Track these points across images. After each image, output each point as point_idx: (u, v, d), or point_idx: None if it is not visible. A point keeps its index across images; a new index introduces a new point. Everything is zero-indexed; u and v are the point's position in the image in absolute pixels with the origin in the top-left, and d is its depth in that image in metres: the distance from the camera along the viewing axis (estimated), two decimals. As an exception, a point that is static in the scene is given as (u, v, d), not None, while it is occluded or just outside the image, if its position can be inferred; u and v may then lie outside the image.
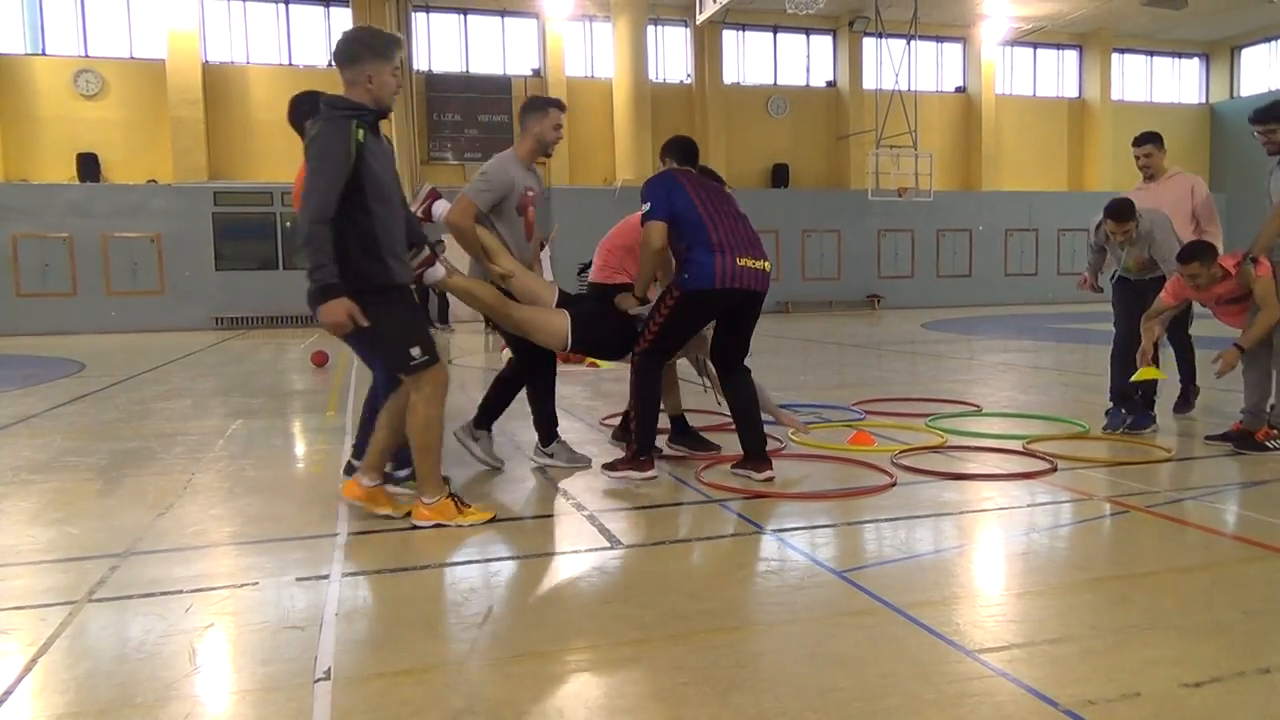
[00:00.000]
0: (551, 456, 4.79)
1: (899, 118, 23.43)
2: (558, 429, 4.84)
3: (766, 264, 4.28)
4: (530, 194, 4.57)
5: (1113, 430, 5.44)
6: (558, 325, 4.38)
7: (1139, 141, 6.16)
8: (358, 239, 3.47)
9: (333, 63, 3.56)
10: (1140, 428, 5.45)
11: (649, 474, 4.32)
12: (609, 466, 4.41)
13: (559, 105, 4.59)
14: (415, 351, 3.55)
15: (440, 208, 4.43)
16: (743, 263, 4.14)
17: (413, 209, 4.23)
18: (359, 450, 4.17)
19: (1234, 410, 5.36)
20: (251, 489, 4.46)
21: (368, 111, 3.50)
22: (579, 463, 4.76)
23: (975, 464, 4.72)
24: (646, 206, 4.24)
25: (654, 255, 4.26)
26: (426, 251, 3.97)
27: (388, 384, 3.86)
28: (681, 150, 4.55)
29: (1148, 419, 5.52)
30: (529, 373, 4.75)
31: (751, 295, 4.23)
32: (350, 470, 4.25)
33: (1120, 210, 5.36)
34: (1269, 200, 5.05)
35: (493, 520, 3.72)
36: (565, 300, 4.55)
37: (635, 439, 4.35)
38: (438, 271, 4.03)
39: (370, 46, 3.49)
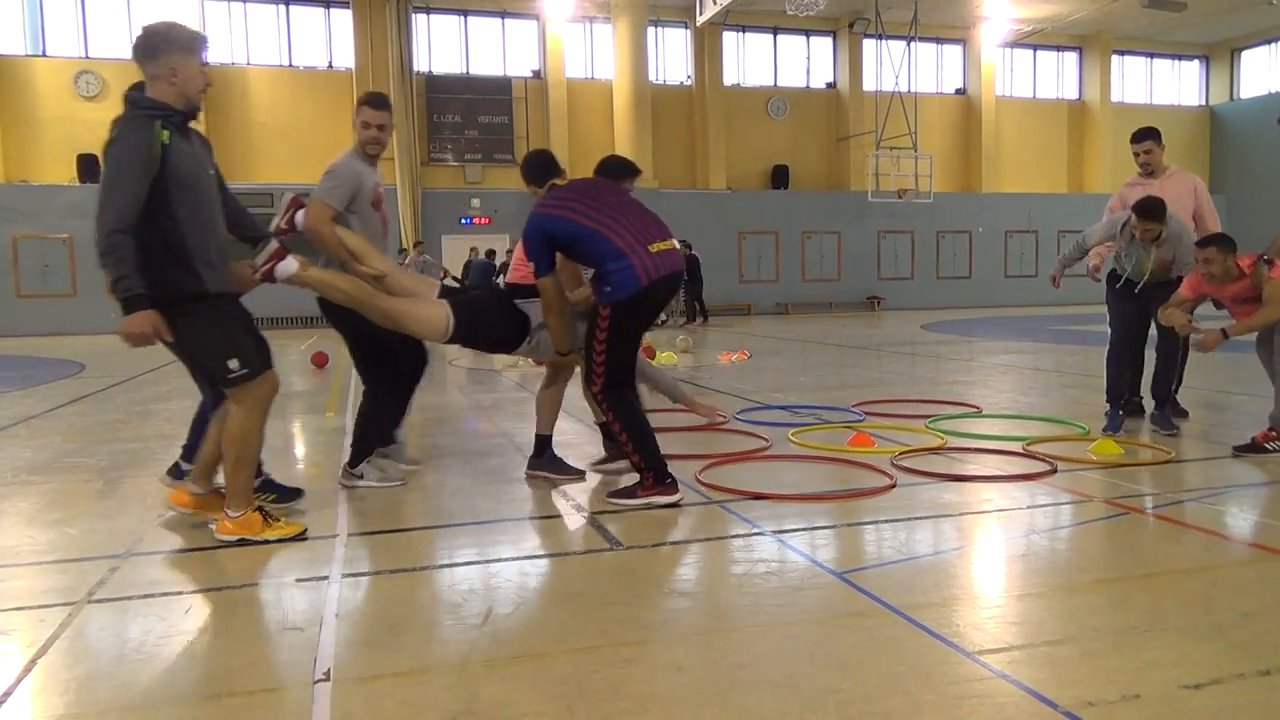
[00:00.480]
0: (361, 477, 4.41)
1: (899, 119, 23.45)
2: (378, 449, 4.54)
3: (674, 241, 4.06)
4: (380, 190, 4.43)
5: (1113, 432, 5.44)
6: (436, 314, 4.06)
7: (1139, 137, 6.14)
8: (164, 247, 3.25)
9: (133, 57, 3.33)
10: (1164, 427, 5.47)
11: (675, 496, 4.00)
12: (621, 494, 4.08)
13: (373, 103, 4.38)
14: (234, 364, 3.36)
15: (304, 216, 4.16)
16: (655, 249, 3.92)
17: (275, 221, 4.03)
18: (188, 452, 4.01)
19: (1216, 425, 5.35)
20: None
21: (173, 111, 3.30)
22: (391, 481, 4.45)
23: (975, 466, 4.72)
24: (531, 266, 4.00)
25: (559, 311, 4.04)
26: (274, 244, 3.71)
27: (216, 393, 3.69)
28: (541, 166, 4.25)
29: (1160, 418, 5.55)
30: (378, 390, 4.47)
31: (673, 280, 3.98)
32: (179, 473, 4.05)
33: (1154, 209, 5.27)
34: None
35: (302, 536, 3.52)
36: (448, 292, 4.29)
37: (645, 466, 4.01)
38: (290, 265, 3.73)
39: (172, 39, 3.29)
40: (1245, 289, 4.92)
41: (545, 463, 4.58)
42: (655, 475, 4.01)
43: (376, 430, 4.54)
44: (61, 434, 6.21)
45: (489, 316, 4.24)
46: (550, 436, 4.63)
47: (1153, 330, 5.59)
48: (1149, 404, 5.76)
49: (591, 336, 3.99)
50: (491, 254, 18.62)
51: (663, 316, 19.18)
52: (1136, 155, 6.12)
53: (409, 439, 5.22)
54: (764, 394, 7.71)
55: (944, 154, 25.91)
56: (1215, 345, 4.91)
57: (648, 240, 3.92)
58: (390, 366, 4.48)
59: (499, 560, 3.33)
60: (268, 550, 3.45)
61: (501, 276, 17.81)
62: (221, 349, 3.39)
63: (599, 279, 3.93)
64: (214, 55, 21.12)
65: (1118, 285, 5.73)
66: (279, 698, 2.22)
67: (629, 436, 4.01)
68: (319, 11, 22.00)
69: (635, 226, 3.95)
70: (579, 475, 4.55)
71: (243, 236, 3.75)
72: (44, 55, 20.22)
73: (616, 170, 4.44)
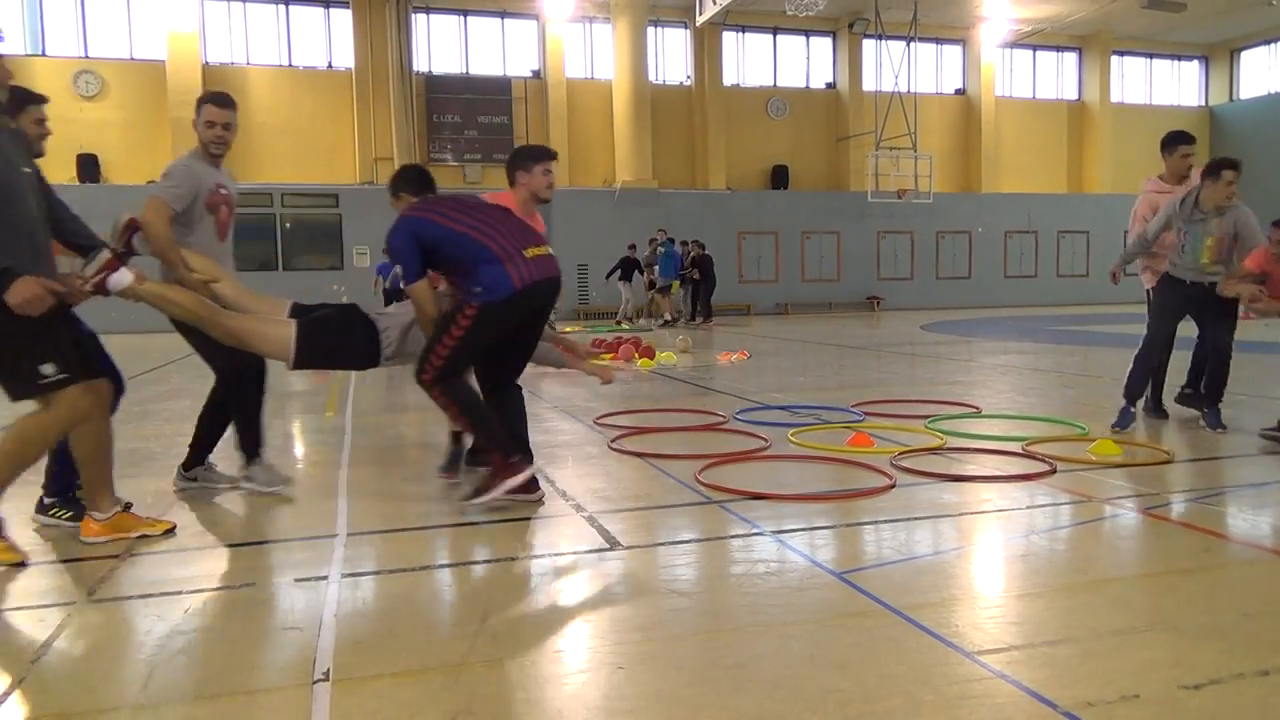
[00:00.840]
0: (251, 480, 4.31)
1: (898, 119, 23.46)
2: (262, 449, 4.39)
3: (548, 248, 3.95)
4: (223, 192, 4.27)
5: (1121, 429, 5.47)
6: (281, 334, 3.90)
7: (1189, 139, 6.06)
8: None
9: None
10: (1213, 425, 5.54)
11: (527, 472, 3.87)
12: (476, 493, 3.90)
13: (217, 101, 4.22)
14: (48, 368, 3.16)
15: (143, 211, 3.97)
16: (530, 254, 3.82)
17: (111, 244, 3.77)
18: (49, 487, 3.84)
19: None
20: (250, 490, 4.45)
21: None
22: (277, 485, 4.31)
23: (974, 466, 4.72)
24: (399, 270, 3.88)
25: (431, 322, 3.88)
26: (105, 254, 3.51)
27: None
28: (413, 180, 4.24)
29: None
30: (234, 387, 4.27)
31: (550, 286, 3.89)
32: (44, 508, 3.86)
33: (1235, 161, 5.36)
34: None
35: (171, 532, 3.49)
36: (299, 311, 4.12)
37: (492, 444, 3.89)
38: (124, 277, 3.54)
39: None
40: None
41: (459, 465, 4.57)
42: (502, 452, 3.86)
43: (249, 425, 4.32)
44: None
45: (333, 334, 4.06)
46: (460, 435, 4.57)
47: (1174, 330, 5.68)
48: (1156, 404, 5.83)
49: (444, 329, 3.79)
50: None
51: (668, 316, 19.28)
52: (1186, 157, 6.00)
53: (409, 439, 5.21)
54: (763, 394, 7.71)
55: (943, 154, 25.92)
56: (1250, 294, 5.07)
57: (522, 245, 3.83)
58: (246, 359, 4.17)
59: (498, 560, 3.33)
60: (267, 550, 3.45)
61: None
62: (33, 352, 3.15)
63: (469, 280, 3.78)
64: (214, 55, 21.17)
65: (1166, 284, 5.70)
66: (278, 698, 2.22)
67: (468, 419, 3.88)
68: (319, 11, 22.00)
69: (508, 232, 3.87)
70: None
71: (72, 245, 3.53)
72: (43, 55, 20.21)
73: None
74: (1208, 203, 5.42)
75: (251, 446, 4.33)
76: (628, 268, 19.62)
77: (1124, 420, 5.57)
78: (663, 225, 20.16)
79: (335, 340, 4.06)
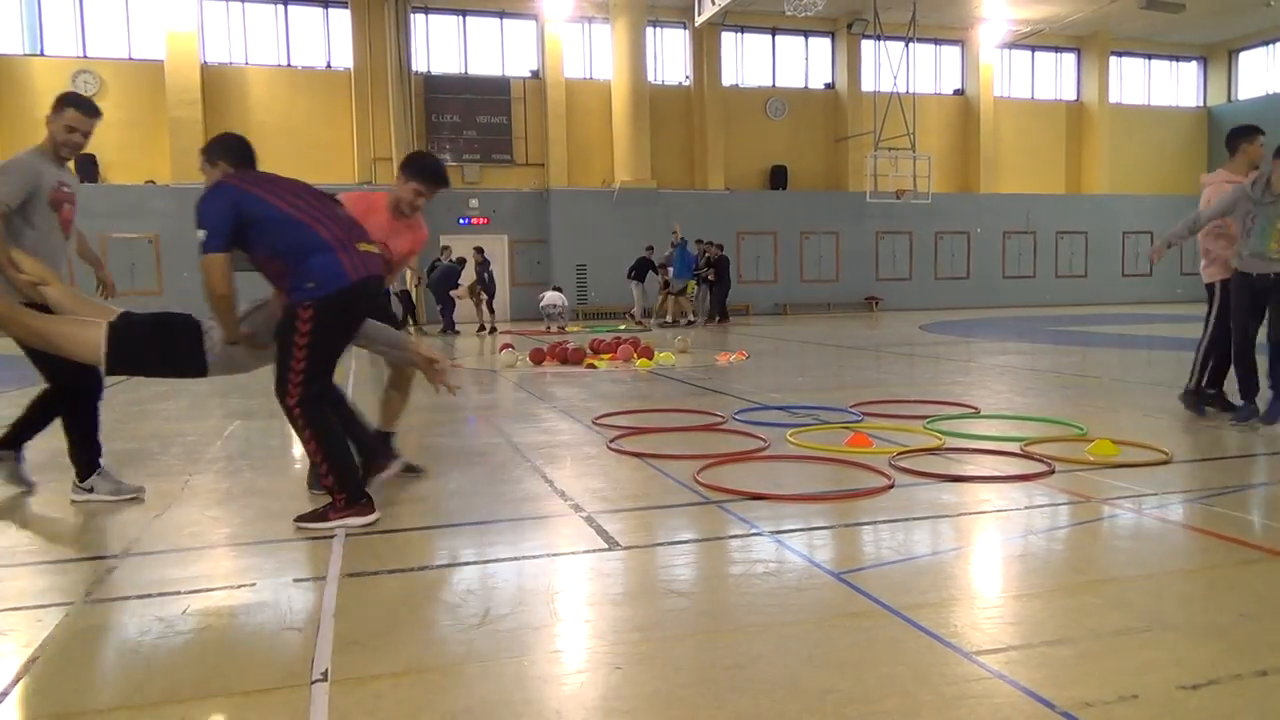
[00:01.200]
0: (91, 491, 4.16)
1: (897, 120, 23.48)
2: (100, 459, 4.24)
3: (375, 245, 3.76)
4: (66, 190, 4.11)
5: (1243, 420, 5.65)
6: (90, 335, 3.64)
7: (1260, 129, 6.09)
8: None
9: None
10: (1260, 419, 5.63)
11: (370, 519, 3.67)
12: (312, 518, 3.67)
13: (82, 107, 4.05)
14: None
15: None
16: (363, 249, 3.64)
17: None
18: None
19: None
20: (249, 490, 4.45)
21: None
22: (125, 493, 4.17)
23: (973, 466, 4.72)
24: (202, 235, 3.46)
25: (222, 299, 3.54)
26: None
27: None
28: (235, 150, 3.80)
29: (1247, 410, 5.72)
30: (65, 396, 4.11)
31: (376, 284, 3.70)
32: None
33: None
34: None
35: None
36: (126, 316, 3.83)
37: (338, 486, 3.65)
38: None
39: None
40: None
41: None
42: (349, 496, 3.66)
43: (83, 436, 4.18)
44: (58, 434, 6.19)
45: (148, 334, 3.76)
46: (392, 434, 4.59)
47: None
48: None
49: (290, 342, 3.50)
50: (462, 261, 18.11)
51: (690, 317, 19.28)
52: (1262, 146, 5.99)
53: (407, 439, 5.21)
54: (762, 394, 7.72)
55: (942, 155, 25.94)
56: None
57: (353, 238, 3.62)
58: (79, 368, 4.01)
59: (496, 560, 3.32)
60: (265, 550, 3.44)
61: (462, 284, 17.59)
62: None
63: (298, 274, 3.48)
64: (212, 55, 21.16)
65: (1237, 282, 5.76)
66: (276, 698, 2.21)
67: (324, 455, 3.60)
68: (317, 11, 21.99)
69: (340, 223, 3.64)
70: (417, 470, 4.61)
71: None
72: (42, 55, 20.21)
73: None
74: (1279, 184, 5.49)
75: (87, 461, 4.17)
76: (642, 268, 19.67)
77: (1244, 413, 5.69)
78: (673, 225, 20.10)
79: (150, 341, 3.75)
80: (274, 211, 3.51)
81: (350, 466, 3.71)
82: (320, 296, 3.47)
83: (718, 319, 19.32)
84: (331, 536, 3.58)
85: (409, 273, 17.77)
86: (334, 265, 3.49)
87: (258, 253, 3.58)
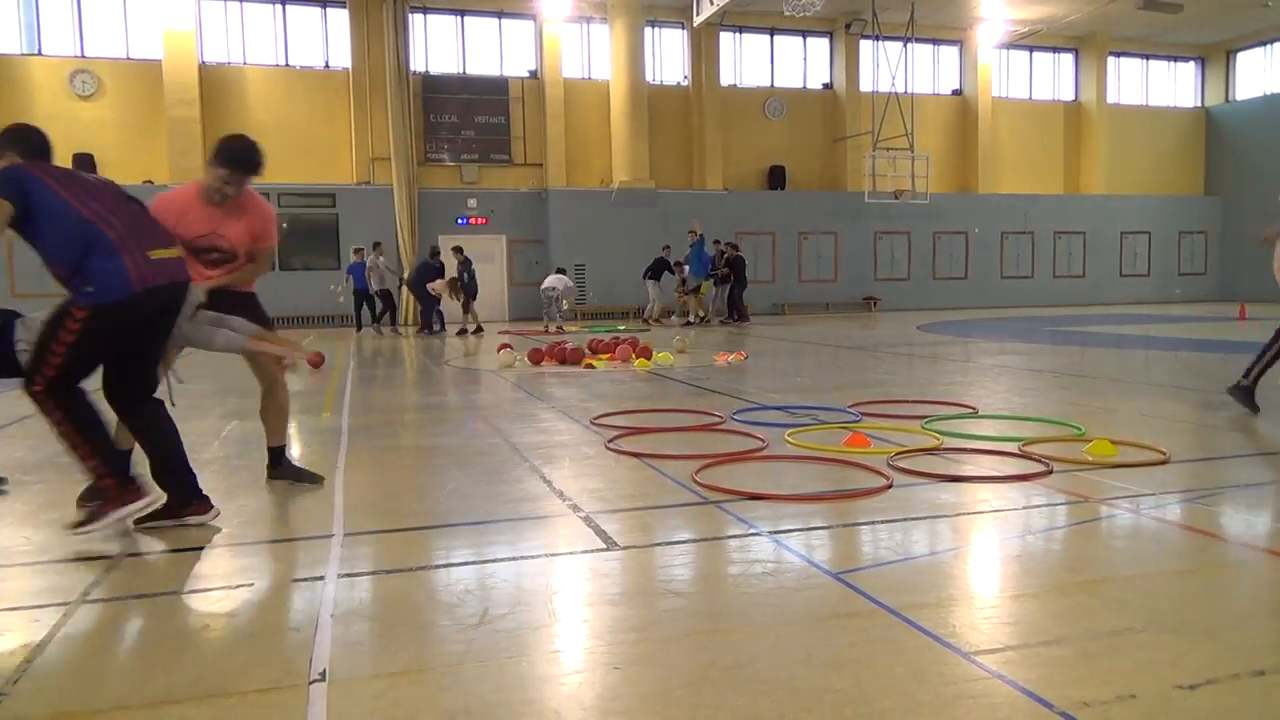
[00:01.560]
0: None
1: (895, 120, 23.48)
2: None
3: (179, 250, 3.58)
4: None
5: None
6: None
7: None
8: None
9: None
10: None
11: (145, 500, 3.52)
12: (87, 520, 3.46)
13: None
14: None
15: None
16: (155, 255, 3.43)
17: None
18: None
19: None
20: (247, 490, 4.45)
21: None
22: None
23: (971, 466, 4.73)
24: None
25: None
26: None
27: None
28: (27, 141, 3.57)
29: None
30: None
31: (176, 291, 3.52)
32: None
33: None
34: None
35: None
36: None
37: (103, 466, 3.44)
38: None
39: None
40: None
41: (285, 470, 4.52)
42: (117, 479, 3.48)
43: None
44: (48, 438, 6.18)
45: None
46: (282, 448, 4.54)
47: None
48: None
49: (52, 333, 3.34)
50: (434, 253, 18.05)
51: (703, 314, 19.27)
52: None
53: (406, 439, 5.21)
54: (760, 394, 7.72)
55: (940, 155, 25.95)
56: None
57: (147, 243, 3.43)
58: None
59: (495, 560, 3.32)
60: (264, 551, 3.44)
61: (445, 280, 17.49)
62: None
63: (79, 275, 3.32)
64: (210, 54, 21.14)
65: None
66: (275, 698, 2.21)
67: (82, 437, 3.41)
68: (315, 11, 21.97)
69: (133, 225, 3.46)
70: (318, 480, 4.50)
71: None
72: (39, 54, 20.18)
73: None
74: None
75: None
76: (658, 268, 19.68)
77: None
78: (692, 222, 20.06)
79: None
80: (64, 206, 3.33)
81: (110, 451, 3.50)
82: (96, 304, 3.32)
83: (735, 318, 19.32)
84: (331, 535, 3.57)
85: (388, 273, 17.73)
86: (117, 273, 3.33)
87: (44, 246, 3.38)
